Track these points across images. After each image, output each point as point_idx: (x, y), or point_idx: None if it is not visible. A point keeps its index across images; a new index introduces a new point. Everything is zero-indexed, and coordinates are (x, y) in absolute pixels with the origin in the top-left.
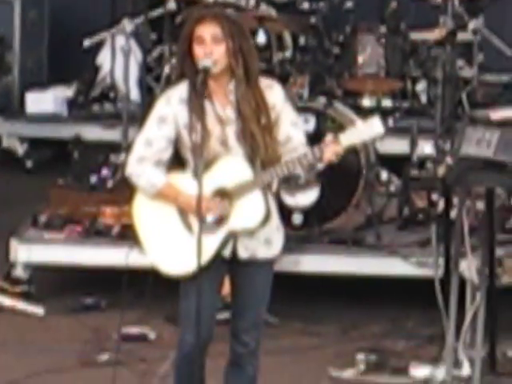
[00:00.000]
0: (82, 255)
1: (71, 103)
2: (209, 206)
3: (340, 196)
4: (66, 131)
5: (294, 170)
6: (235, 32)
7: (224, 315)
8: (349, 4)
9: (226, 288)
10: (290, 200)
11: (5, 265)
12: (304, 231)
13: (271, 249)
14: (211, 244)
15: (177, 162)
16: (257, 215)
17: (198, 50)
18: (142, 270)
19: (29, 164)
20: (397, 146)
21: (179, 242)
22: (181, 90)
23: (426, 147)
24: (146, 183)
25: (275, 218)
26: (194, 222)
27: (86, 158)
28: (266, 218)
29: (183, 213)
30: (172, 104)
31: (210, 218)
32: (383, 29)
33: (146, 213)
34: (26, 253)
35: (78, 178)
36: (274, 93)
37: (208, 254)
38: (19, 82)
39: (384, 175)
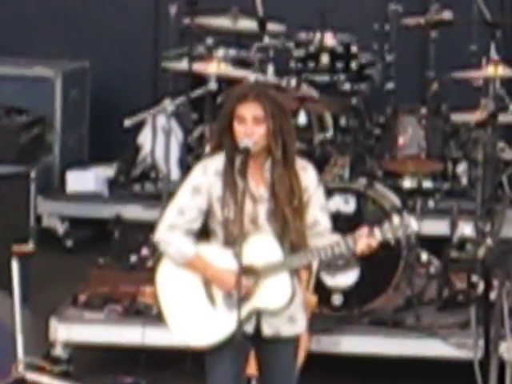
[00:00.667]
0: (121, 335)
1: (112, 183)
2: (234, 282)
3: (380, 277)
4: (106, 211)
5: (325, 257)
6: (276, 113)
7: None
8: (390, 85)
9: (253, 367)
10: (330, 281)
11: (45, 344)
12: (344, 312)
13: (295, 326)
14: (232, 321)
15: (201, 231)
16: (282, 298)
17: (239, 129)
18: (181, 348)
19: (69, 243)
20: (437, 227)
21: (201, 314)
22: (217, 162)
23: (466, 229)
24: (176, 252)
25: (299, 296)
26: (218, 294)
27: (126, 237)
28: (290, 301)
29: (208, 284)
30: (208, 175)
31: (240, 292)
32: (424, 110)
33: (170, 280)
34: (66, 332)
35: (117, 258)
36: (308, 175)
37: (229, 329)
38: (60, 160)
39: (424, 256)
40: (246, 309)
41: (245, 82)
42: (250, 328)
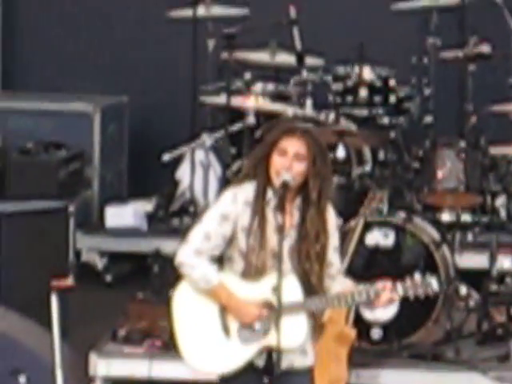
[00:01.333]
0: (161, 369)
1: (151, 217)
2: (254, 313)
3: (419, 311)
4: (145, 245)
5: (345, 305)
6: (318, 154)
7: None
8: (428, 119)
9: None
10: (369, 314)
11: (84, 379)
12: (383, 346)
13: (307, 358)
14: (244, 353)
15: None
16: (296, 339)
17: (279, 161)
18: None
19: (108, 278)
20: (476, 260)
21: (214, 343)
22: (247, 190)
23: (506, 262)
24: (201, 277)
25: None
26: (233, 326)
27: (165, 271)
28: (304, 343)
29: (224, 314)
30: (238, 203)
31: (257, 326)
32: (463, 144)
33: (187, 305)
34: (106, 367)
35: (157, 292)
36: (330, 217)
37: (239, 362)
38: (99, 195)
39: (463, 290)
40: (259, 344)
41: (284, 116)
42: (260, 362)
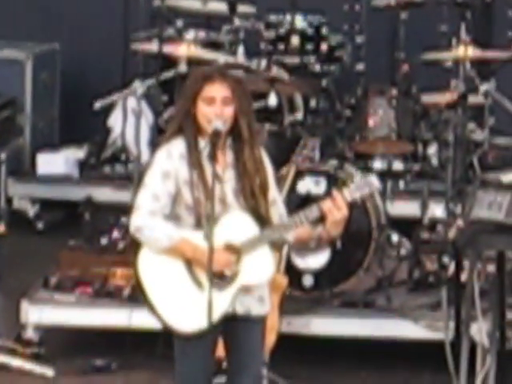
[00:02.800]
0: (92, 317)
1: (82, 165)
2: (224, 259)
3: (351, 259)
4: (77, 193)
5: (302, 224)
6: (240, 92)
7: (220, 379)
8: (360, 67)
9: (220, 350)
10: (300, 262)
11: (16, 326)
12: (314, 293)
13: (264, 306)
14: (223, 300)
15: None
16: (267, 270)
17: (208, 110)
18: (152, 330)
19: (40, 225)
20: (408, 208)
21: (190, 299)
22: (179, 145)
23: (437, 210)
24: (163, 235)
25: None
26: (203, 277)
27: (97, 219)
28: (275, 271)
29: (191, 268)
30: (173, 159)
31: (228, 271)
32: (394, 91)
33: (152, 269)
34: (37, 314)
35: (88, 240)
36: (263, 153)
37: (220, 310)
38: (30, 143)
39: (395, 238)
40: (234, 288)
41: (214, 62)
42: (229, 308)
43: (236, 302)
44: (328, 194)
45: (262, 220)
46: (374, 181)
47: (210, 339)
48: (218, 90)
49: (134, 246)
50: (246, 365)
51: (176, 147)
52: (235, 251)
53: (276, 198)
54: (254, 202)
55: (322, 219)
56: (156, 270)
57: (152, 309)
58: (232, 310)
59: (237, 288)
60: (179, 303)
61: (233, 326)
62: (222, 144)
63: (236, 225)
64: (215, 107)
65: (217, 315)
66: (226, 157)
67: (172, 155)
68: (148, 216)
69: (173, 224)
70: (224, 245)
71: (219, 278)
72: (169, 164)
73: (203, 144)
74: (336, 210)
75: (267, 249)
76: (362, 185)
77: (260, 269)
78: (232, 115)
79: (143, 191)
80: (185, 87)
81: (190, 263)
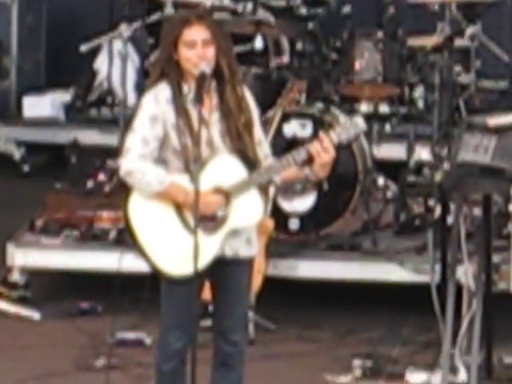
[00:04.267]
0: (78, 260)
1: (68, 108)
2: (214, 202)
3: (337, 201)
4: (63, 136)
5: (290, 167)
6: (218, 31)
7: (206, 322)
8: (346, 9)
9: (206, 293)
10: (286, 205)
11: (1, 269)
12: (300, 236)
13: (252, 248)
14: (213, 244)
15: None
16: (256, 213)
17: (191, 54)
18: (138, 274)
19: (26, 168)
20: (394, 151)
21: (180, 243)
22: (165, 90)
23: (423, 153)
24: (154, 179)
25: None
26: (192, 221)
27: (83, 162)
28: (264, 214)
29: (182, 212)
30: (160, 103)
31: (220, 213)
32: (381, 34)
33: (143, 213)
34: (23, 257)
35: (74, 183)
36: (246, 92)
37: (211, 253)
38: (16, 86)
39: (381, 181)
40: (224, 231)
41: (200, 5)
42: (219, 252)
43: (225, 245)
44: (314, 136)
45: (250, 162)
46: (360, 122)
47: (196, 282)
48: (197, 33)
49: (124, 189)
50: (233, 306)
51: (162, 91)
52: (224, 194)
53: (261, 139)
54: (241, 143)
55: (309, 161)
56: (146, 214)
57: (142, 252)
58: (221, 253)
59: (226, 232)
60: (169, 247)
61: (221, 269)
62: (208, 86)
63: (224, 168)
64: (197, 50)
65: (207, 260)
66: (212, 100)
67: (159, 99)
68: (138, 160)
69: (162, 168)
70: (213, 188)
71: (211, 221)
72: (156, 108)
73: (186, 89)
74: (323, 152)
75: (256, 192)
76: (348, 127)
77: (249, 212)
78: (214, 56)
79: (132, 135)
80: (164, 33)
81: (180, 207)
